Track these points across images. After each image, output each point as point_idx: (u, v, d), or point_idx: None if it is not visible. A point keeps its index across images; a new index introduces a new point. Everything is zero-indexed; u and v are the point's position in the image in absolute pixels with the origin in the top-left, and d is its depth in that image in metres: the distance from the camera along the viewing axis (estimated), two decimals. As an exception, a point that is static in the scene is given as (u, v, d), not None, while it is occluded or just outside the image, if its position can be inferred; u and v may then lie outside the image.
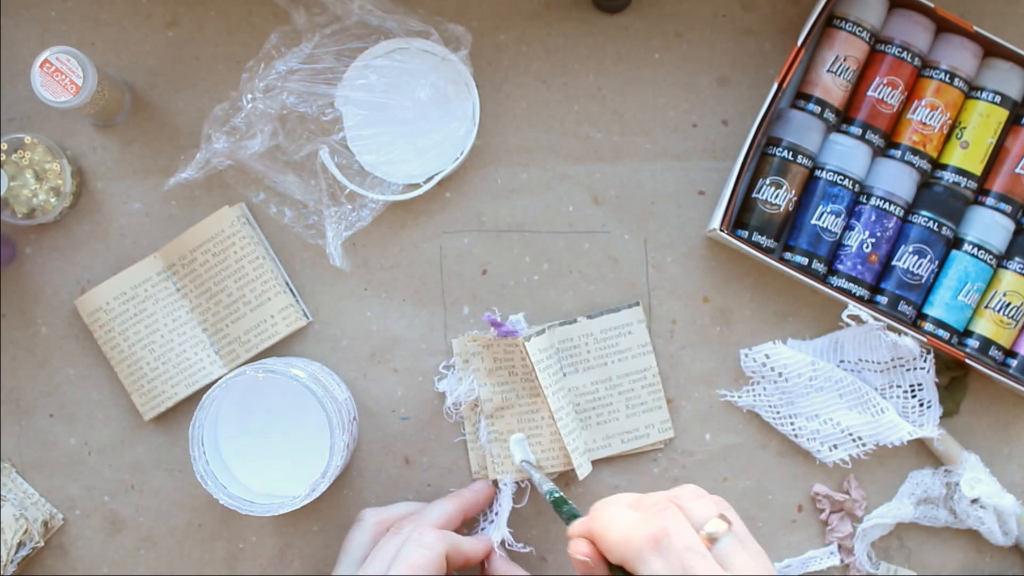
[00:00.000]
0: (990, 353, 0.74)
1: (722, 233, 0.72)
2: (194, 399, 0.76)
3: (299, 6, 0.76)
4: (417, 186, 0.77)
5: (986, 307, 0.74)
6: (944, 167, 0.75)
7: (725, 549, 0.55)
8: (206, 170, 0.76)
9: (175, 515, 0.77)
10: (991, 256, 0.74)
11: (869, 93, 0.75)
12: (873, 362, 0.75)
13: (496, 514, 0.75)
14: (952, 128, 0.75)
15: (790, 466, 0.77)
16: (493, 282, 0.77)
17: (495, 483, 0.76)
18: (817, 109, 0.74)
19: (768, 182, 0.74)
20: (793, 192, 0.74)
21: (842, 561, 0.76)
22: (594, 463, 0.76)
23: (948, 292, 0.74)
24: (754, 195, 0.75)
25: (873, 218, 0.74)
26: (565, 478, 0.77)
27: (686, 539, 0.54)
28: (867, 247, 0.74)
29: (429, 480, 0.77)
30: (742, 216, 0.75)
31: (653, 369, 0.77)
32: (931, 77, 0.74)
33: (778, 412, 0.76)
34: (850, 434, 0.75)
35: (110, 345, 0.77)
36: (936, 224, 0.74)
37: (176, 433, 0.77)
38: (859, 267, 0.74)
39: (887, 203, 0.74)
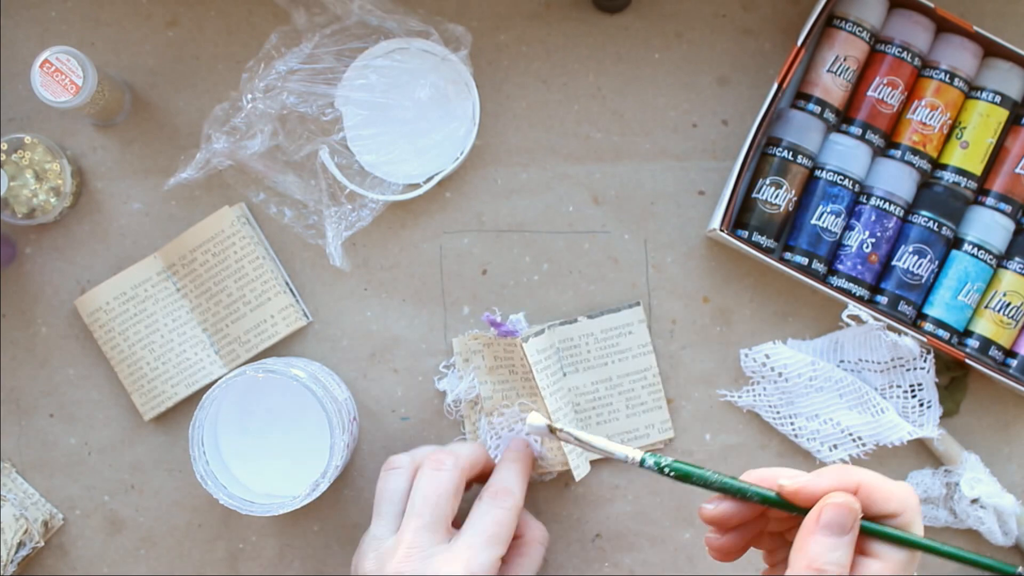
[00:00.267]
0: (990, 353, 0.74)
1: (722, 233, 0.72)
2: (194, 399, 0.76)
3: (299, 6, 0.76)
4: (417, 186, 0.77)
5: (986, 307, 0.74)
6: (944, 167, 0.75)
7: None
8: (206, 170, 0.76)
9: (175, 515, 0.77)
10: (991, 256, 0.74)
11: (869, 93, 0.75)
12: (873, 362, 0.75)
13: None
14: (952, 128, 0.75)
15: (790, 466, 0.77)
16: (493, 282, 0.77)
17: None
18: (817, 109, 0.74)
19: (768, 182, 0.74)
20: (793, 192, 0.74)
21: (842, 561, 0.76)
22: (593, 463, 0.76)
23: (948, 292, 0.74)
24: (754, 195, 0.75)
25: (873, 218, 0.74)
26: (564, 478, 0.77)
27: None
28: (867, 247, 0.74)
29: (429, 480, 0.77)
30: (742, 216, 0.75)
31: (653, 369, 0.77)
32: (931, 77, 0.74)
33: (778, 412, 0.76)
34: (850, 434, 0.75)
35: (110, 345, 0.77)
36: (936, 224, 0.74)
37: (176, 433, 0.77)
38: (859, 267, 0.74)
39: (887, 203, 0.74)
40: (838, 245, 0.75)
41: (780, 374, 0.76)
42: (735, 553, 0.58)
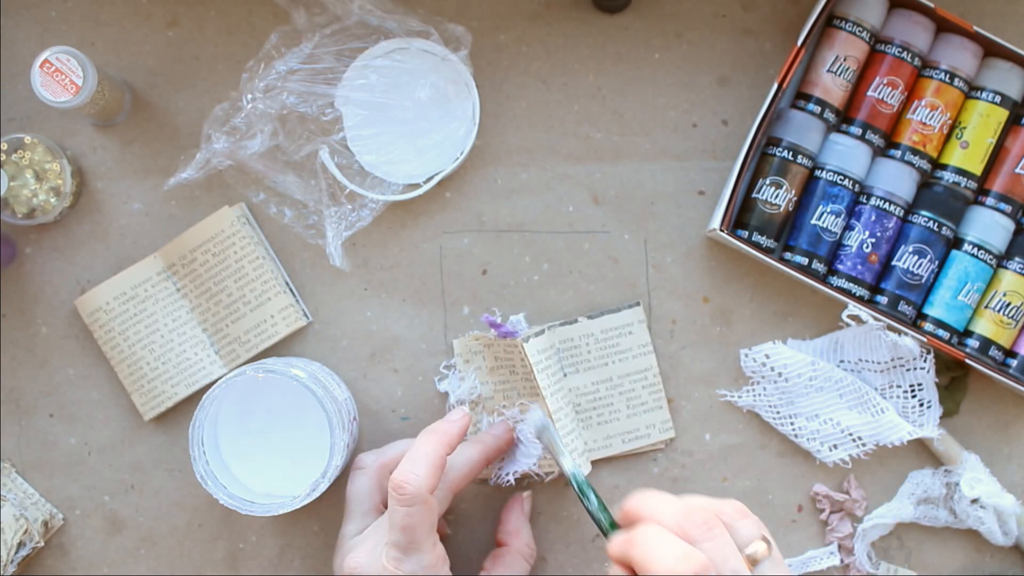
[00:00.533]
0: (990, 353, 0.74)
1: (722, 233, 0.72)
2: (194, 399, 0.76)
3: (299, 6, 0.76)
4: (417, 186, 0.77)
5: (986, 307, 0.74)
6: (944, 167, 0.75)
7: (764, 572, 0.54)
8: (206, 170, 0.76)
9: (175, 515, 0.77)
10: (991, 256, 0.74)
11: (869, 93, 0.75)
12: (873, 362, 0.75)
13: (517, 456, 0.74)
14: (952, 128, 0.75)
15: (790, 466, 0.77)
16: (493, 282, 0.77)
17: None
18: (817, 109, 0.74)
19: (768, 182, 0.74)
20: (793, 192, 0.74)
21: (842, 561, 0.76)
22: (594, 463, 0.76)
23: (948, 292, 0.74)
24: (754, 195, 0.75)
25: (873, 218, 0.74)
26: (564, 478, 0.76)
27: (732, 565, 0.53)
28: (867, 247, 0.74)
29: (429, 480, 0.77)
30: (742, 216, 0.75)
31: (654, 369, 0.77)
32: (931, 77, 0.74)
33: (778, 412, 0.76)
34: (850, 434, 0.75)
35: (110, 345, 0.77)
36: (936, 224, 0.74)
37: (176, 433, 0.77)
38: (859, 267, 0.74)
39: (887, 203, 0.74)
40: (838, 245, 0.75)
41: (780, 374, 0.76)
42: None
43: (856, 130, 0.75)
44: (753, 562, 0.54)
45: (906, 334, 0.73)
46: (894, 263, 0.74)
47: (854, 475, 0.77)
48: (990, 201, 0.75)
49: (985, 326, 0.74)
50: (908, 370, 0.75)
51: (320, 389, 0.70)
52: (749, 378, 0.77)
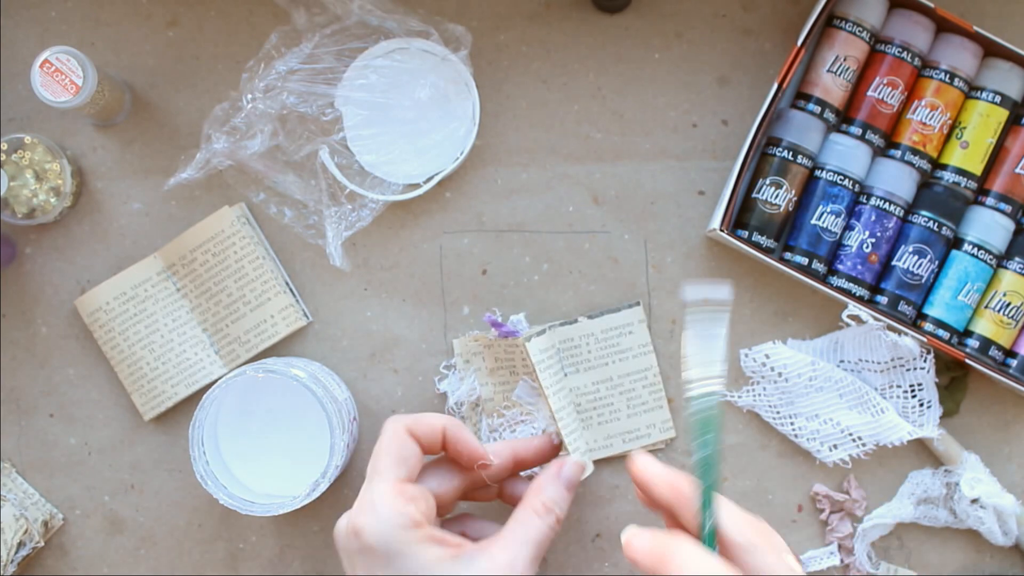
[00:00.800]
0: (990, 353, 0.74)
1: (722, 233, 0.72)
2: (194, 399, 0.76)
3: (299, 6, 0.76)
4: (417, 186, 0.77)
5: (986, 307, 0.74)
6: (944, 167, 0.75)
7: None
8: (206, 170, 0.76)
9: (175, 515, 0.77)
10: (991, 256, 0.74)
11: (869, 93, 0.75)
12: (873, 362, 0.75)
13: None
14: (952, 128, 0.75)
15: (790, 466, 0.77)
16: (493, 282, 0.77)
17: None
18: (817, 109, 0.74)
19: (768, 182, 0.74)
20: (793, 192, 0.74)
21: (842, 561, 0.76)
22: (595, 463, 0.76)
23: (948, 292, 0.74)
24: (754, 195, 0.75)
25: (873, 218, 0.74)
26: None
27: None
28: (867, 247, 0.74)
29: (429, 480, 0.77)
30: (742, 216, 0.75)
31: (654, 369, 0.77)
32: (931, 77, 0.74)
33: (778, 412, 0.76)
34: (850, 434, 0.75)
35: (110, 345, 0.77)
36: (936, 224, 0.74)
37: (176, 433, 0.77)
38: (859, 267, 0.74)
39: (887, 203, 0.74)
40: (838, 245, 0.75)
41: (780, 374, 0.76)
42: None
43: (856, 130, 0.75)
44: None
45: (906, 334, 0.74)
46: (894, 263, 0.74)
47: (854, 475, 0.77)
48: (990, 201, 0.75)
49: (985, 326, 0.74)
50: (908, 370, 0.75)
51: (320, 389, 0.70)
52: (749, 378, 0.77)
